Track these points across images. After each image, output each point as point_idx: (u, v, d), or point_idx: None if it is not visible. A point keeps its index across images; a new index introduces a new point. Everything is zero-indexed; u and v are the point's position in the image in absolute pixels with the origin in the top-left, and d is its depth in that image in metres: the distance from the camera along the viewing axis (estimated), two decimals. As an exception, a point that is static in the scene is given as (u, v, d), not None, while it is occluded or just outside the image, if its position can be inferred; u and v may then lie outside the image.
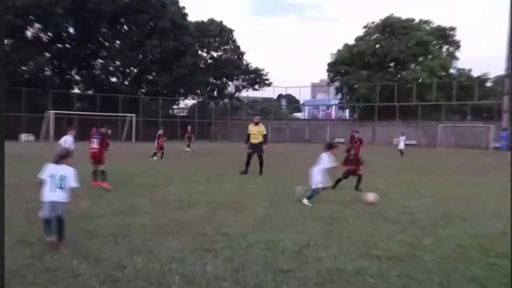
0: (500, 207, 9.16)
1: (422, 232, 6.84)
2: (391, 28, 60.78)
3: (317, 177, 9.19)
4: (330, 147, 9.67)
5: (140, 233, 6.49)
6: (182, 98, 66.88)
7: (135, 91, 57.61)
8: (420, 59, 59.73)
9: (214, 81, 70.59)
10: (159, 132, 23.61)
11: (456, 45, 62.71)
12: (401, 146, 29.60)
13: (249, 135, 15.64)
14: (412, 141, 47.86)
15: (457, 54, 62.84)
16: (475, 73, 59.63)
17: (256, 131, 15.57)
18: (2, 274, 3.49)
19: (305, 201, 9.15)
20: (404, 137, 30.56)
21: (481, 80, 58.18)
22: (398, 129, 44.96)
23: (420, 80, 56.41)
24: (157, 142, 23.13)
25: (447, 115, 53.73)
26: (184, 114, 69.10)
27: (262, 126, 15.89)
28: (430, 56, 59.29)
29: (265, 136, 15.76)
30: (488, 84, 61.87)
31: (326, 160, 9.30)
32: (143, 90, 61.56)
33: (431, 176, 15.97)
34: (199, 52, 66.92)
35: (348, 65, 63.05)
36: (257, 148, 15.46)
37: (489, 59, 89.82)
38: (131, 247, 5.73)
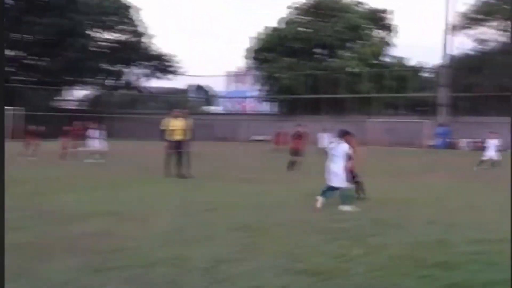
0: (437, 213, 9.73)
1: (351, 242, 7.10)
2: (317, 9, 62.08)
3: (343, 174, 9.67)
4: (345, 134, 10.12)
5: (21, 252, 6.22)
6: (70, 87, 64.50)
7: (9, 78, 54.72)
8: (350, 45, 61.39)
9: (111, 68, 68.46)
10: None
11: (390, 29, 64.73)
12: (324, 144, 30.32)
13: (164, 131, 15.56)
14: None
15: (395, 41, 64.97)
16: (413, 63, 62.29)
17: (180, 127, 15.55)
18: (2, 274, 3.47)
19: (346, 208, 9.45)
20: (325, 134, 31.34)
21: (416, 70, 60.85)
22: (325, 125, 46.09)
23: (349, 69, 58.01)
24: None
25: (378, 109, 55.62)
26: (73, 107, 66.73)
27: (185, 120, 15.85)
28: (361, 42, 61.02)
29: (189, 132, 15.78)
30: (425, 74, 64.66)
31: (345, 152, 9.73)
32: (21, 78, 58.65)
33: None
34: (91, 33, 64.74)
35: (268, 51, 63.60)
36: (179, 147, 15.46)
37: (430, 48, 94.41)
38: (9, 271, 5.48)
